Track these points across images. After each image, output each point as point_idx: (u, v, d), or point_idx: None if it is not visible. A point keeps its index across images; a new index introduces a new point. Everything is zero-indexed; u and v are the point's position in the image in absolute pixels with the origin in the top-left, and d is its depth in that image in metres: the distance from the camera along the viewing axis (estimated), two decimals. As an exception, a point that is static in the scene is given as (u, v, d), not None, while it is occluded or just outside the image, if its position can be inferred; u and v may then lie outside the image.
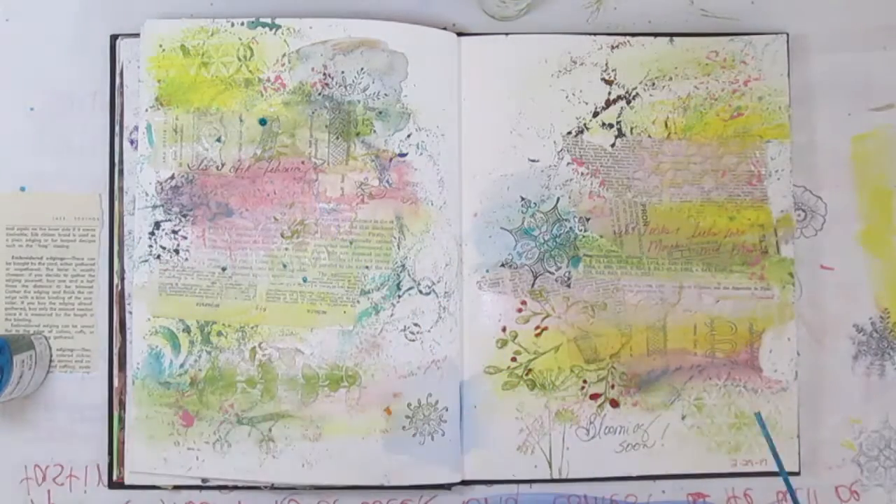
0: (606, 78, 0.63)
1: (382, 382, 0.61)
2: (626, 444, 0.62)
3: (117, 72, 0.64)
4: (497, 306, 0.62)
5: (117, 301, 0.63)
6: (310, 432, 0.61)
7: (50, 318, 0.63)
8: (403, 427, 0.61)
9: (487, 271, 0.62)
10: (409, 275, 0.61)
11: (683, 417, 0.62)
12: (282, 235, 0.62)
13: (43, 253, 0.64)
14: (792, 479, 0.62)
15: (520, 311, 0.62)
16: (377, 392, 0.61)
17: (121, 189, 0.63)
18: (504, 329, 0.62)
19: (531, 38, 0.63)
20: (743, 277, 0.62)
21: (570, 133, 0.63)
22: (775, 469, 0.61)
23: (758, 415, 0.56)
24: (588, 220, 0.63)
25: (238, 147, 0.62)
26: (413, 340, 0.61)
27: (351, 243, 0.61)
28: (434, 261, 0.62)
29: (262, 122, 0.62)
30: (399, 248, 0.61)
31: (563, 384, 0.62)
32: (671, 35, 0.64)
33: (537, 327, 0.62)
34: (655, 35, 0.64)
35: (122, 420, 0.62)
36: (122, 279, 0.63)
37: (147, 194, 0.62)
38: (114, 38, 0.64)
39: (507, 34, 0.63)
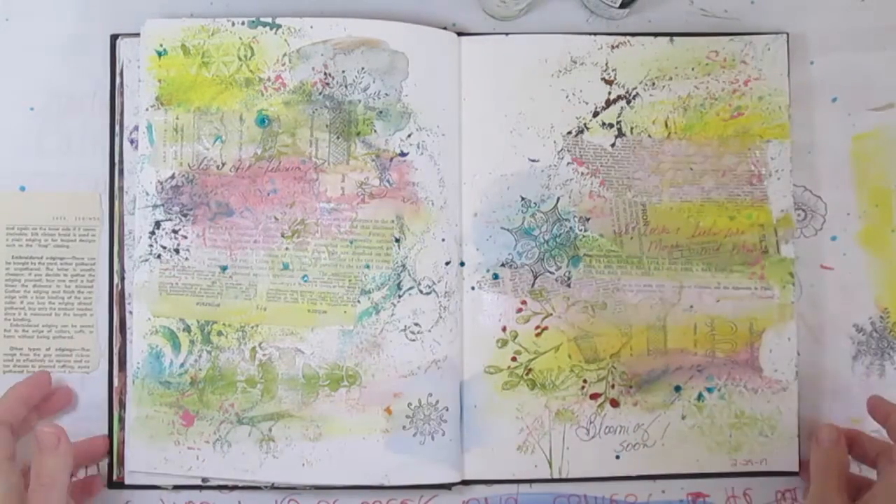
0: (606, 78, 0.63)
1: (383, 382, 0.61)
2: (626, 444, 0.62)
3: (117, 72, 0.64)
4: (497, 306, 0.62)
5: (117, 301, 0.63)
6: (310, 432, 0.61)
7: (50, 318, 0.63)
8: (404, 427, 0.61)
9: (487, 271, 0.62)
10: (409, 274, 0.61)
11: (683, 417, 0.62)
12: (282, 235, 0.62)
13: (43, 253, 0.63)
14: (792, 479, 0.63)
15: (520, 310, 0.62)
16: (377, 392, 0.61)
17: (121, 189, 0.63)
18: (504, 329, 0.62)
19: (531, 38, 0.63)
20: (743, 277, 0.62)
21: (570, 133, 0.63)
22: (775, 469, 0.61)
23: None
24: (588, 219, 0.63)
25: (238, 147, 0.62)
26: (413, 340, 0.61)
27: (351, 243, 0.61)
28: (434, 260, 0.62)
29: (263, 121, 0.62)
30: (399, 248, 0.61)
31: (563, 384, 0.62)
32: (671, 35, 0.64)
33: (537, 327, 0.62)
34: (655, 35, 0.64)
35: (122, 420, 0.62)
36: (122, 279, 0.63)
37: (147, 194, 0.62)
38: (114, 37, 0.64)
39: (507, 34, 0.63)
